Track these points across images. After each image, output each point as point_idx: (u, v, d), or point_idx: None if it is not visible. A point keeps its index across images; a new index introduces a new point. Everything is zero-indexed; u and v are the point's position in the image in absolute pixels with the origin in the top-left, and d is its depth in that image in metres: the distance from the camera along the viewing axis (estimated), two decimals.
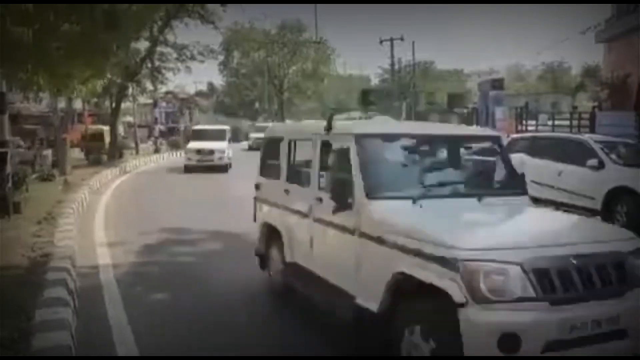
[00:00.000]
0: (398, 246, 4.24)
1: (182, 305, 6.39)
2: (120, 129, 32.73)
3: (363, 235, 4.69)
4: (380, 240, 4.45)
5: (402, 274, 4.17)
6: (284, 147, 6.50)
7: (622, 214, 10.84)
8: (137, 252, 8.98)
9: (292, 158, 6.48)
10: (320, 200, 5.46)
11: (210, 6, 27.23)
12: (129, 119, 35.87)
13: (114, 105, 27.98)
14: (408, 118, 51.44)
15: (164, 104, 46.97)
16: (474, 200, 5.08)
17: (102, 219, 12.04)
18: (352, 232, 4.85)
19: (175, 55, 30.01)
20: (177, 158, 30.72)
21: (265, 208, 6.97)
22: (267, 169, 7.08)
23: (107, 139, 27.14)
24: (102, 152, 25.24)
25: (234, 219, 10.43)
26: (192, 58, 30.34)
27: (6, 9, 6.03)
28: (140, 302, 6.52)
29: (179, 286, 7.16)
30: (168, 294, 6.88)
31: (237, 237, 9.60)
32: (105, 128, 27.83)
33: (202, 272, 7.88)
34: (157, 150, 32.42)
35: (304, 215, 5.82)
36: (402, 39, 53.15)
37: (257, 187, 7.22)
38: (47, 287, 5.93)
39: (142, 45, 25.89)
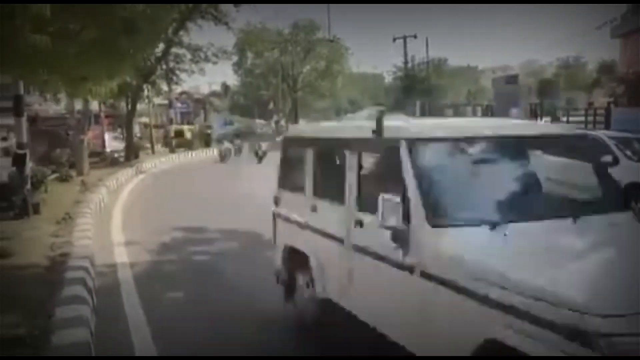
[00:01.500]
0: (486, 299, 3.05)
1: (199, 304, 6.48)
2: (137, 129, 33.00)
3: (427, 276, 3.53)
4: (455, 288, 3.28)
5: (496, 341, 2.98)
6: (309, 154, 5.31)
7: (637, 210, 10.77)
8: (153, 250, 9.13)
9: (320, 167, 5.22)
10: (360, 224, 4.30)
11: (223, 7, 27.43)
12: (145, 119, 36.15)
13: (129, 106, 28.26)
14: (422, 115, 51.49)
15: (179, 104, 47.27)
16: (568, 221, 3.74)
17: (119, 219, 12.22)
18: (409, 269, 3.69)
19: (189, 56, 30.29)
20: (191, 158, 30.96)
21: (287, 227, 5.65)
22: (288, 180, 5.85)
23: (188, 134, 34.75)
24: (185, 146, 32.86)
25: (249, 218, 10.51)
26: (206, 59, 30.61)
27: (25, 15, 6.17)
28: (158, 300, 6.63)
29: (195, 284, 7.28)
30: (185, 293, 7.00)
31: (252, 236, 9.71)
32: (187, 126, 35.06)
33: (218, 271, 7.98)
34: (172, 151, 32.66)
35: (339, 241, 4.62)
36: (415, 37, 53.07)
37: (276, 201, 5.94)
38: (67, 286, 6.07)
39: (157, 46, 26.12)
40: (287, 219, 5.64)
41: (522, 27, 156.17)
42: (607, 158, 11.29)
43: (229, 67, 66.11)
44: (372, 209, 3.88)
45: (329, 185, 4.91)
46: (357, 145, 4.52)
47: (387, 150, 4.07)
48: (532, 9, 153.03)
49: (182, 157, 30.67)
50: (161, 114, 44.03)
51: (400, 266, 3.76)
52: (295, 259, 5.43)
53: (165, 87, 32.67)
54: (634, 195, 10.86)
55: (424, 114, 50.94)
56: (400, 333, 3.91)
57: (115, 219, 12.25)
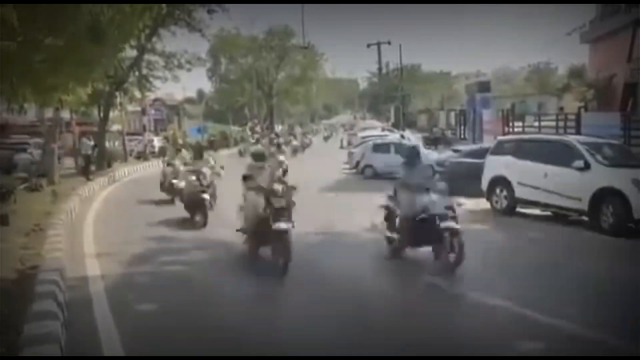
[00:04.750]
0: None
1: (172, 316, 6.38)
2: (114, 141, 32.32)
3: None
4: None
5: None
6: None
7: (608, 214, 10.96)
8: (125, 262, 8.95)
9: None
10: None
11: (196, 14, 27.31)
12: (118, 127, 35.59)
13: (101, 114, 27.86)
14: (396, 120, 51.94)
15: (152, 111, 46.77)
16: None
17: (91, 229, 11.99)
18: None
19: (162, 63, 30.03)
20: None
21: None
22: None
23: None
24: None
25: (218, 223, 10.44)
26: (180, 66, 30.38)
27: None
28: (130, 314, 6.50)
29: (168, 296, 7.16)
30: (157, 305, 6.87)
31: (222, 244, 9.61)
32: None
33: (190, 281, 7.88)
34: (146, 159, 32.23)
35: None
36: (389, 43, 53.54)
37: None
38: (36, 300, 5.91)
39: (129, 53, 25.83)
40: None
41: (495, 34, 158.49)
42: (579, 163, 11.52)
43: (203, 73, 65.85)
44: None
45: None
46: None
47: None
48: (505, 16, 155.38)
49: (157, 165, 30.31)
50: (135, 121, 43.53)
51: None
52: None
53: (138, 94, 32.28)
54: (605, 199, 11.06)
55: (398, 119, 51.45)
56: None
57: (87, 229, 12.01)
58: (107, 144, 30.53)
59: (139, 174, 26.41)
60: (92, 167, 23.39)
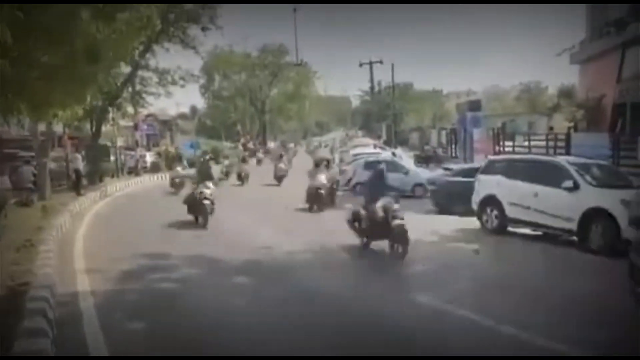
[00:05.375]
0: None
1: (161, 333, 6.37)
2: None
3: None
4: None
5: None
6: None
7: (597, 234, 11.05)
8: (116, 278, 8.93)
9: None
10: None
11: (191, 31, 27.51)
12: (103, 141, 35.46)
13: (94, 129, 27.82)
14: (389, 138, 52.20)
15: (145, 126, 46.71)
16: None
17: (82, 245, 11.95)
18: None
19: (156, 79, 30.05)
20: (160, 181, 30.52)
21: None
22: None
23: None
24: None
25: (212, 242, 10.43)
26: (173, 83, 30.41)
27: None
28: (120, 331, 6.48)
29: (157, 313, 7.14)
30: (147, 322, 6.85)
31: (213, 262, 9.58)
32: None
33: (180, 299, 7.86)
34: (137, 174, 32.14)
35: None
36: (381, 62, 54.03)
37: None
38: (26, 317, 5.89)
39: (123, 69, 25.88)
40: None
41: (487, 53, 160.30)
42: (568, 183, 11.63)
43: (196, 89, 66.07)
44: None
45: None
46: None
47: None
48: (496, 35, 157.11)
49: (148, 181, 30.25)
50: (127, 136, 43.47)
51: None
52: None
53: (131, 110, 32.27)
54: (594, 219, 11.16)
55: (390, 136, 51.70)
56: None
57: (78, 245, 11.98)
58: (112, 158, 30.71)
59: (130, 189, 26.34)
60: (84, 182, 23.33)
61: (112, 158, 31.04)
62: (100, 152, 29.06)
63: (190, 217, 14.37)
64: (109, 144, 31.93)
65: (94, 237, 13.04)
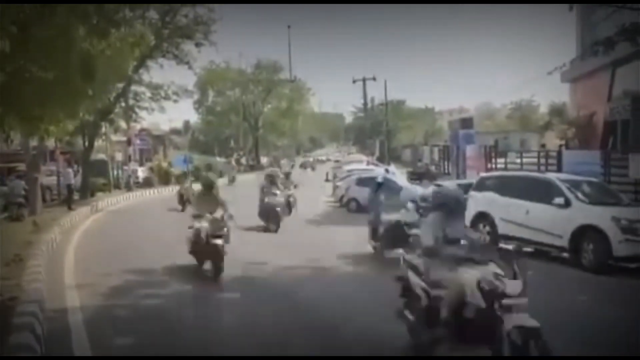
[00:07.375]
0: None
1: (150, 349, 6.31)
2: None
3: None
4: None
5: None
6: None
7: (588, 251, 11.07)
8: (105, 294, 8.86)
9: None
10: None
11: (185, 46, 27.62)
12: (102, 156, 35.42)
13: (86, 143, 27.77)
14: (382, 154, 52.36)
15: (138, 141, 46.66)
16: None
17: (72, 260, 11.86)
18: None
19: (149, 94, 30.06)
20: (153, 196, 30.43)
21: None
22: None
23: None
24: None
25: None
26: (167, 98, 30.45)
27: None
28: (108, 347, 6.41)
29: (146, 329, 7.09)
30: (136, 338, 6.79)
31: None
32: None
33: (169, 315, 7.80)
34: (129, 189, 32.02)
35: None
36: (374, 79, 54.43)
37: None
38: (14, 332, 5.83)
39: (116, 84, 25.91)
40: None
41: (479, 71, 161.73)
42: (560, 200, 11.68)
43: (190, 104, 66.12)
44: None
45: None
46: None
47: None
48: (489, 54, 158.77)
49: (140, 196, 30.15)
50: (120, 151, 43.40)
51: None
52: None
53: (124, 125, 32.27)
54: (585, 236, 11.19)
55: (383, 153, 51.88)
56: None
57: (68, 260, 11.89)
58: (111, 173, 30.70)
59: (123, 204, 26.21)
60: (75, 197, 23.23)
61: (115, 173, 31.20)
62: (99, 168, 29.07)
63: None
64: (105, 158, 31.90)
65: (83, 252, 12.94)
